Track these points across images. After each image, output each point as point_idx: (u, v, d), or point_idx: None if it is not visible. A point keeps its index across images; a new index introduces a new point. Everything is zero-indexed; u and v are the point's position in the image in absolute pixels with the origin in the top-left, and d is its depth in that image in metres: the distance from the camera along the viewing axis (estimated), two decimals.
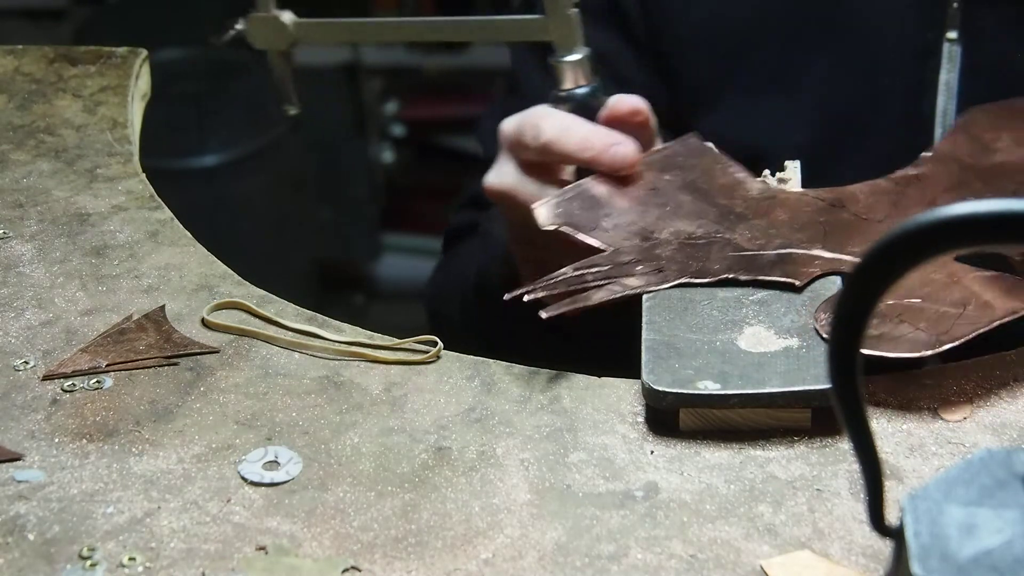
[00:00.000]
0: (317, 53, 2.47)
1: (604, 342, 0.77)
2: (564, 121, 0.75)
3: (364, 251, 2.37)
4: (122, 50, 0.97)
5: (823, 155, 0.84)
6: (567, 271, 0.66)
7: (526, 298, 0.65)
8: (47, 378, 0.67)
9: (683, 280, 0.66)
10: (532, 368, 0.67)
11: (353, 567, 0.56)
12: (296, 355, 0.69)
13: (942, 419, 0.64)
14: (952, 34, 0.90)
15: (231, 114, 2.21)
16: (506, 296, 0.66)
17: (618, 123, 0.77)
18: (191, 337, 0.70)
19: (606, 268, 0.66)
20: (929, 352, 0.61)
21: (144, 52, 0.97)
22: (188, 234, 0.79)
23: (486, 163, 0.84)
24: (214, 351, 0.69)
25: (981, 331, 0.61)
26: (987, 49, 0.90)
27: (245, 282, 0.75)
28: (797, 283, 0.66)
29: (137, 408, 0.65)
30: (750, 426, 0.63)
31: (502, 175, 0.80)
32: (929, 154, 0.77)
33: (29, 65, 0.96)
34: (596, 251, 0.69)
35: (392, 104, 2.48)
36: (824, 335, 0.63)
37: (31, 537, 0.57)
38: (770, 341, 0.65)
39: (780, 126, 0.83)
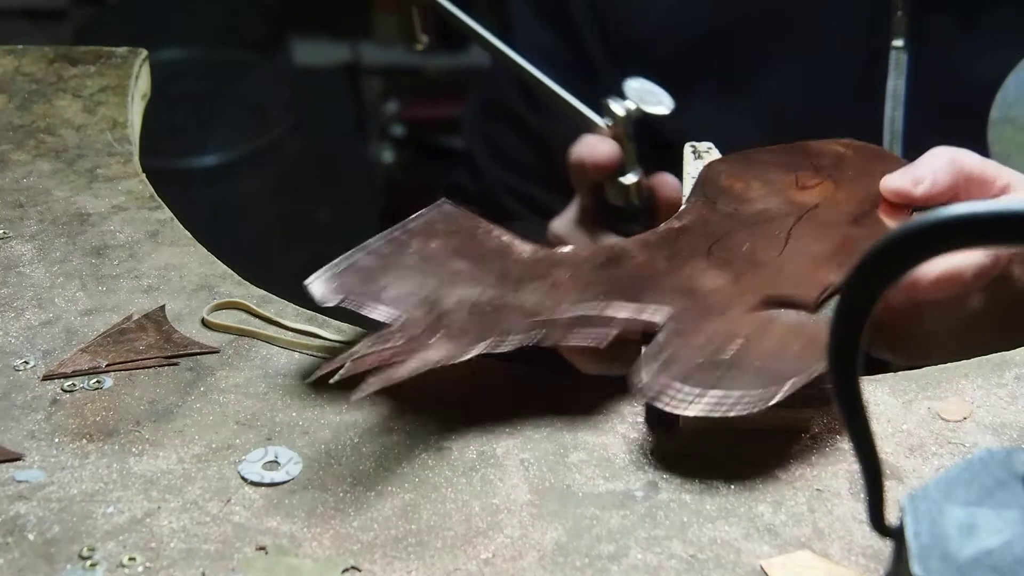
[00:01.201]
0: (317, 53, 2.47)
1: None
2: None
3: None
4: (122, 50, 0.97)
5: None
6: (361, 348, 0.63)
7: (331, 380, 0.62)
8: (47, 378, 0.67)
9: (485, 351, 0.63)
10: (532, 368, 0.67)
11: (353, 567, 0.56)
12: (296, 355, 0.69)
13: (942, 419, 0.64)
14: (898, 42, 0.90)
15: (231, 114, 2.22)
16: (308, 379, 0.65)
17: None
18: (191, 337, 0.70)
19: (401, 343, 0.64)
20: (773, 401, 0.59)
21: (144, 52, 0.97)
22: (188, 234, 0.79)
23: (468, 155, 0.86)
24: (214, 351, 0.69)
25: (813, 373, 0.61)
26: (933, 57, 0.90)
27: (245, 282, 0.75)
28: (601, 346, 0.64)
29: (137, 408, 0.65)
30: (750, 426, 0.63)
31: (560, 222, 0.88)
32: (683, 207, 0.76)
33: (29, 65, 0.96)
34: (382, 325, 0.66)
35: (392, 104, 2.48)
36: (646, 397, 0.61)
37: (31, 537, 0.57)
38: None
39: (736, 130, 0.84)
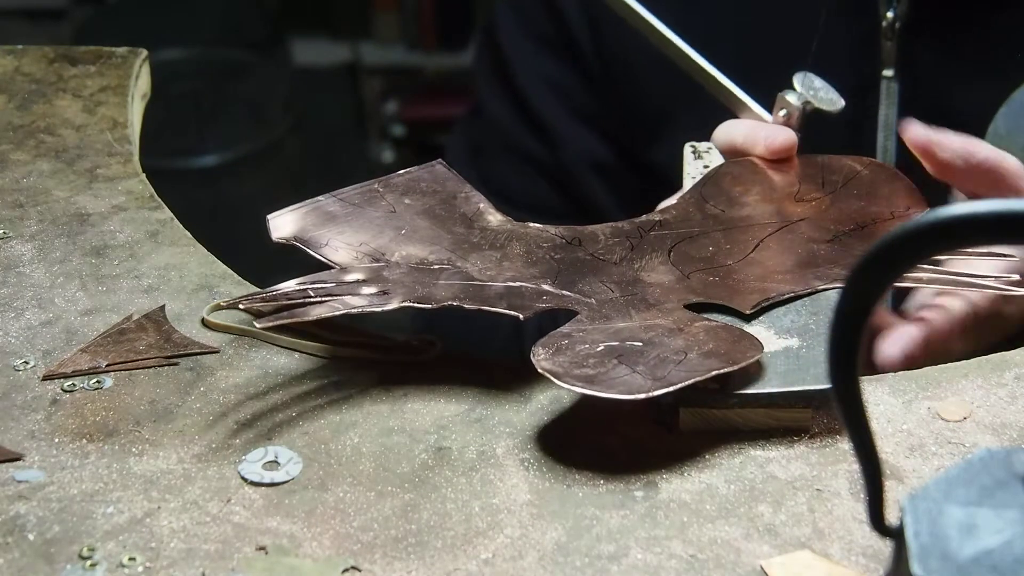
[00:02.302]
0: (317, 53, 2.47)
1: None
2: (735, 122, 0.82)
3: None
4: (122, 50, 0.97)
5: None
6: (291, 284, 0.66)
7: (241, 306, 0.66)
8: (47, 378, 0.67)
9: (405, 304, 0.65)
10: (532, 368, 0.67)
11: (353, 567, 0.56)
12: (296, 355, 0.69)
13: (942, 419, 0.64)
14: (888, 72, 0.91)
15: (231, 114, 2.21)
16: (226, 305, 0.69)
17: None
18: (191, 337, 0.70)
19: (330, 285, 0.66)
20: (643, 396, 0.59)
21: (144, 52, 0.97)
22: (188, 234, 0.78)
23: None
24: (214, 351, 0.69)
25: (698, 379, 0.60)
26: (923, 86, 0.91)
27: (245, 282, 0.75)
28: (521, 316, 0.65)
29: (137, 408, 0.65)
30: (750, 426, 0.63)
31: None
32: (673, 201, 0.77)
33: (29, 65, 0.96)
34: (326, 267, 0.69)
35: (392, 104, 2.48)
36: (540, 370, 0.61)
37: (31, 537, 0.57)
38: (770, 341, 0.65)
39: None
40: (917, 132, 0.74)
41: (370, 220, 0.71)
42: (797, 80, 0.83)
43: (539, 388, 0.66)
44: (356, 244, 0.69)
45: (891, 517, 0.48)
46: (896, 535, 0.46)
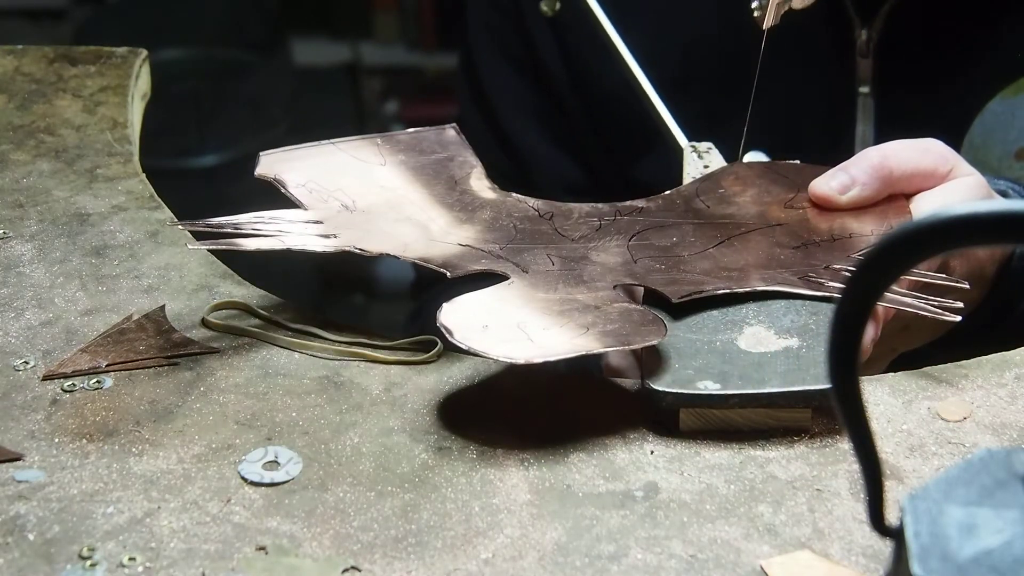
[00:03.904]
0: (317, 53, 2.47)
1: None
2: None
3: None
4: (122, 50, 0.97)
5: None
6: (245, 216, 0.68)
7: (178, 226, 0.70)
8: (47, 378, 0.67)
9: (346, 248, 0.67)
10: (532, 368, 0.67)
11: (353, 567, 0.56)
12: (296, 355, 0.69)
13: (942, 419, 0.64)
14: (864, 88, 0.91)
15: (231, 114, 2.22)
16: (177, 224, 0.73)
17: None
18: (191, 337, 0.70)
19: (282, 223, 0.68)
20: (521, 360, 0.60)
21: (144, 52, 0.97)
22: (188, 234, 0.78)
23: None
24: (214, 351, 0.69)
25: (576, 353, 0.61)
26: (900, 102, 0.91)
27: (245, 282, 0.75)
28: (448, 274, 0.67)
29: (137, 408, 0.65)
30: (750, 426, 0.63)
31: None
32: (668, 192, 0.76)
33: (29, 65, 0.96)
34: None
35: (392, 104, 2.48)
36: (438, 324, 0.62)
37: (31, 537, 0.57)
38: (770, 341, 0.65)
39: None
40: (819, 187, 0.74)
41: (355, 170, 0.73)
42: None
43: (539, 388, 0.66)
44: (331, 189, 0.71)
45: (891, 517, 0.48)
46: (896, 535, 0.46)
